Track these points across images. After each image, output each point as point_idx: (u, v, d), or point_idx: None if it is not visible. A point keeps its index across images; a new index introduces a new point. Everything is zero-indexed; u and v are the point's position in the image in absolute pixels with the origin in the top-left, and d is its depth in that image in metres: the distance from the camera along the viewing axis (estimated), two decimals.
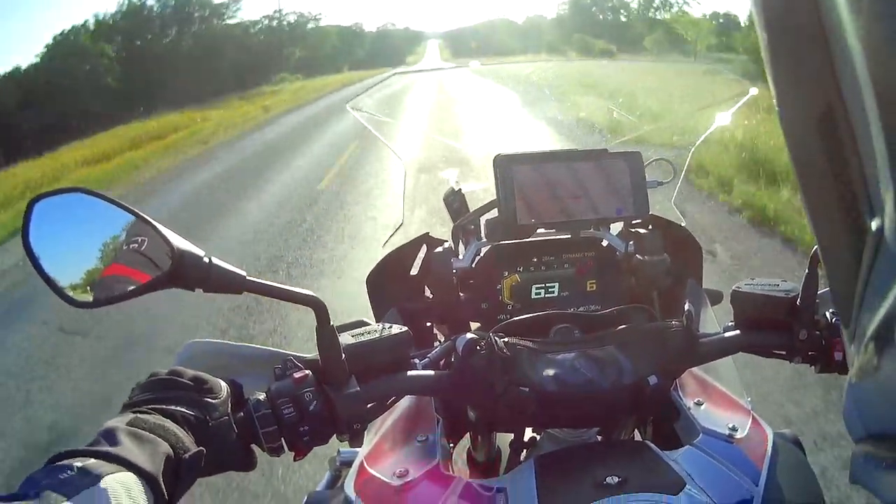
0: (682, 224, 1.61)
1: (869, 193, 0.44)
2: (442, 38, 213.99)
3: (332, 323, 0.96)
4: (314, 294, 0.94)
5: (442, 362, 1.11)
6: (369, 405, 1.01)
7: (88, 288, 0.83)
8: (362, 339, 1.02)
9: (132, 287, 0.84)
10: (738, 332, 1.16)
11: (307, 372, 0.95)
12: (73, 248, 0.85)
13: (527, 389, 1.02)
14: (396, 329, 1.04)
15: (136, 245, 0.84)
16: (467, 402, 1.14)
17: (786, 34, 0.48)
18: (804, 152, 0.51)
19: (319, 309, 0.94)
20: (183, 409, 0.85)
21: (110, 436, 0.75)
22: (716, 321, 1.40)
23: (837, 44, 0.43)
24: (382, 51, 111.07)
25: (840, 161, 0.46)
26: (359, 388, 0.97)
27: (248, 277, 0.89)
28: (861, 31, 0.40)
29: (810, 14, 0.45)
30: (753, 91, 1.61)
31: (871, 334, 0.48)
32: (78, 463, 0.69)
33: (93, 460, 0.70)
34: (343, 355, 0.97)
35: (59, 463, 0.69)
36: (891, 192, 0.41)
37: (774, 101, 0.51)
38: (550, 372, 1.04)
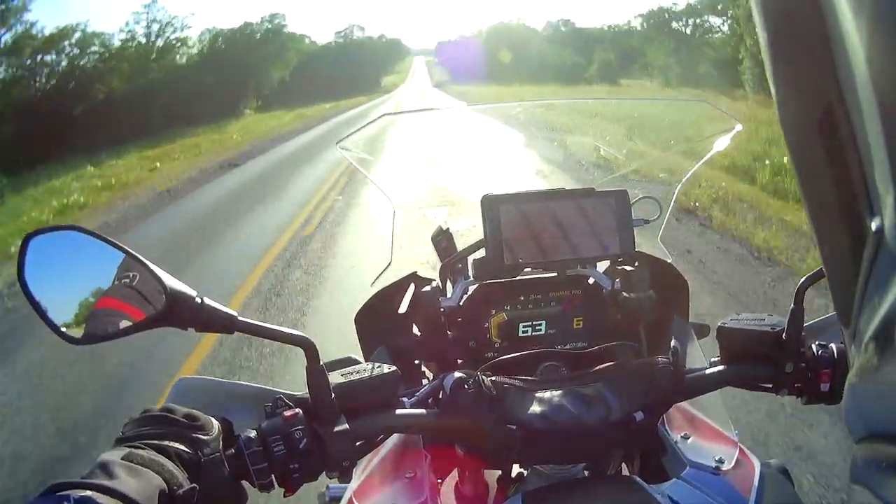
0: (669, 260, 1.62)
1: (869, 193, 0.45)
2: (434, 54, 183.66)
3: (321, 362, 0.98)
4: (304, 335, 0.96)
5: (430, 400, 1.12)
6: (358, 443, 1.02)
7: (81, 324, 0.85)
8: (351, 378, 1.03)
9: (126, 325, 0.86)
10: (724, 367, 1.18)
11: (297, 410, 0.96)
12: (67, 284, 0.86)
13: (514, 427, 1.04)
14: (385, 368, 1.06)
15: (129, 281, 0.86)
16: (455, 440, 1.16)
17: (786, 34, 0.49)
18: (804, 152, 0.52)
19: (309, 349, 0.96)
20: (176, 446, 0.86)
21: (106, 469, 0.76)
22: (702, 355, 1.41)
23: (837, 44, 0.44)
24: (344, 73, 75.46)
25: (840, 161, 0.47)
26: (348, 427, 0.98)
27: (239, 318, 0.91)
28: (861, 31, 0.41)
29: (810, 14, 0.45)
30: (738, 127, 1.62)
31: (871, 334, 0.48)
32: (75, 495, 0.70)
33: (89, 492, 0.71)
34: (332, 394, 0.99)
35: (57, 494, 0.70)
36: (891, 192, 0.41)
37: (774, 101, 0.52)
38: (538, 409, 1.05)
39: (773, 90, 0.51)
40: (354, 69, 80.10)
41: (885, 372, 0.47)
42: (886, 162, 0.41)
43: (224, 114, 36.42)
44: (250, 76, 47.08)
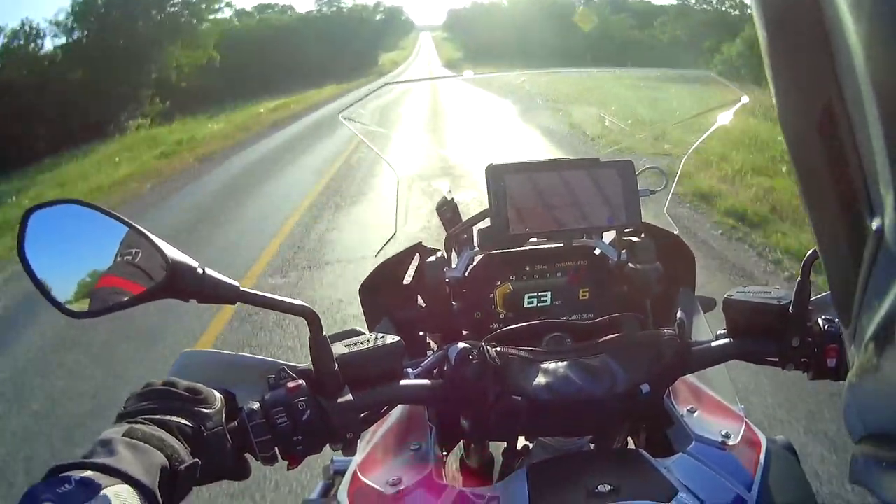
0: (675, 232, 1.61)
1: (869, 193, 0.45)
2: (442, 28, 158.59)
3: (325, 333, 0.98)
4: (307, 304, 0.96)
5: (435, 371, 1.12)
6: (362, 414, 1.02)
7: (83, 298, 0.85)
8: (355, 349, 1.03)
9: (128, 296, 0.85)
10: (730, 339, 1.17)
11: (300, 381, 0.96)
12: (68, 259, 0.86)
13: (519, 398, 1.03)
14: (389, 339, 1.06)
15: (131, 257, 0.86)
16: (460, 411, 1.15)
17: (786, 34, 0.49)
18: (804, 152, 0.52)
19: (312, 319, 0.96)
20: (178, 420, 0.86)
21: (107, 447, 0.76)
22: (708, 328, 1.41)
23: (837, 44, 0.43)
24: (327, 52, 58.69)
25: (840, 161, 0.47)
26: (352, 398, 0.98)
27: (241, 288, 0.91)
28: (861, 31, 0.40)
29: (810, 14, 0.45)
30: (745, 99, 1.62)
31: (871, 334, 0.48)
32: (76, 476, 0.70)
33: (90, 472, 0.71)
34: (336, 365, 0.99)
35: (59, 476, 0.70)
36: (891, 192, 0.41)
37: (774, 100, 0.52)
38: (543, 380, 1.05)
39: (772, 90, 0.51)
40: (341, 47, 62.52)
41: (885, 372, 0.47)
42: (886, 162, 0.41)
43: (104, 130, 24.60)
44: (141, 67, 29.87)
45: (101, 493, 0.69)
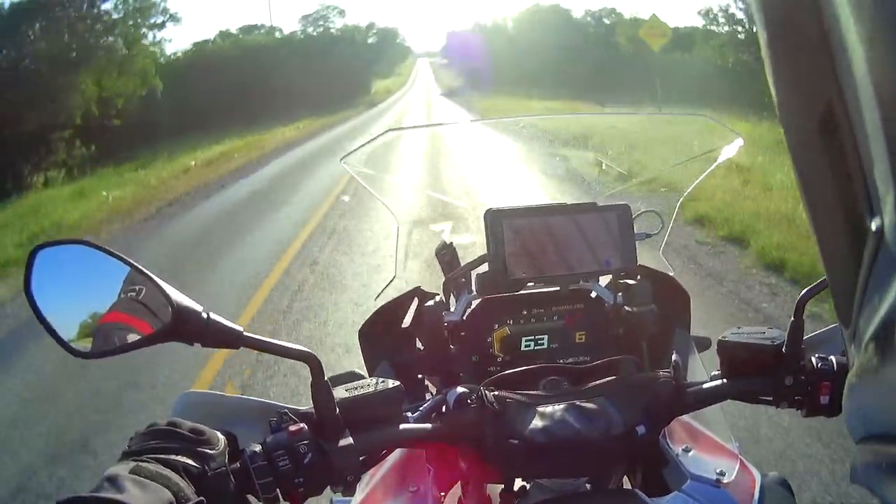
0: (671, 273, 1.63)
1: (869, 193, 0.45)
2: (441, 53, 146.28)
3: (326, 377, 0.99)
4: (309, 350, 0.97)
5: (433, 415, 1.13)
6: (362, 457, 1.02)
7: (87, 337, 0.86)
8: (356, 393, 1.04)
9: (133, 339, 0.87)
10: (724, 380, 1.18)
11: (302, 425, 0.97)
12: (74, 298, 0.88)
13: (516, 442, 1.04)
14: (390, 383, 1.07)
15: (135, 294, 0.87)
16: (458, 454, 1.16)
17: (786, 34, 0.50)
18: (804, 152, 0.52)
19: (314, 364, 0.97)
20: (183, 460, 0.86)
21: (114, 482, 0.77)
22: (703, 369, 1.41)
23: (837, 44, 0.44)
24: (313, 77, 47.56)
25: (840, 161, 0.47)
26: (352, 441, 0.99)
27: (244, 333, 0.92)
28: (861, 31, 0.41)
29: (810, 14, 0.45)
30: (740, 141, 1.63)
31: (871, 334, 0.48)
32: None
33: None
34: (337, 409, 1.00)
35: None
36: (891, 192, 0.41)
37: (774, 101, 0.52)
38: (539, 424, 1.06)
39: (772, 90, 0.52)
40: (327, 72, 51.20)
41: (885, 372, 0.47)
42: (886, 162, 0.41)
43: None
44: (52, 102, 22.38)
45: None
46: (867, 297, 0.48)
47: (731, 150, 1.64)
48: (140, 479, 0.79)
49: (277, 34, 58.51)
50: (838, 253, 0.52)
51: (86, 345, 0.86)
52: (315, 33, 63.65)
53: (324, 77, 50.16)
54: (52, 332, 0.85)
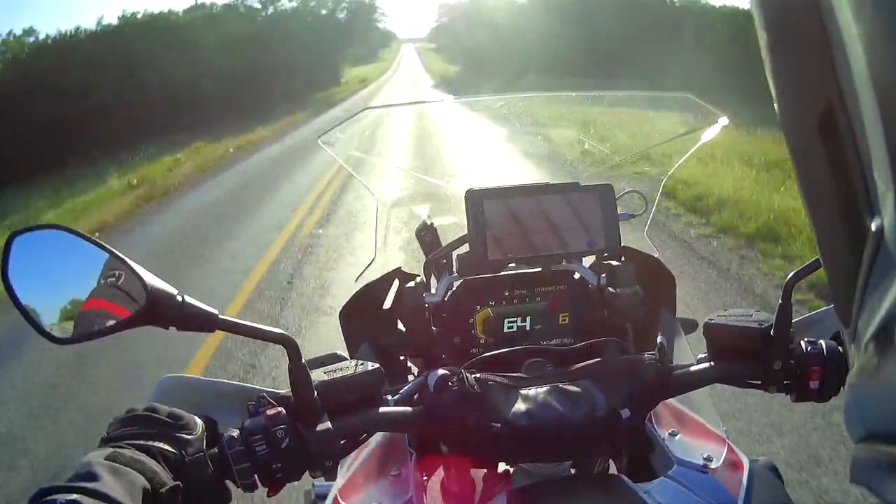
0: (655, 255, 1.62)
1: (869, 193, 0.45)
2: (427, 38, 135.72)
3: (304, 360, 0.98)
4: (285, 332, 0.96)
5: (415, 397, 1.12)
6: (342, 441, 1.02)
7: (66, 323, 0.85)
8: (335, 376, 1.03)
9: (109, 323, 0.85)
10: (711, 363, 1.17)
11: (280, 409, 0.96)
12: (51, 283, 0.87)
13: (498, 425, 1.03)
14: (369, 366, 1.05)
15: (112, 282, 0.86)
16: (441, 437, 1.15)
17: (786, 34, 0.49)
18: (804, 152, 0.52)
19: (290, 347, 0.95)
20: (160, 445, 0.86)
21: (90, 471, 0.76)
22: (690, 351, 1.41)
23: (837, 44, 0.44)
24: (266, 65, 36.19)
25: (840, 161, 0.47)
26: (330, 425, 0.98)
27: (220, 316, 0.91)
28: (861, 31, 0.41)
29: (810, 14, 0.45)
30: (724, 121, 1.63)
31: (871, 334, 0.48)
32: (61, 499, 0.70)
33: (75, 496, 0.71)
34: (315, 392, 0.98)
35: (44, 499, 0.70)
36: (891, 192, 0.41)
37: (774, 100, 0.52)
38: (522, 407, 1.05)
39: (772, 90, 0.51)
40: (275, 60, 38.12)
41: (885, 372, 0.47)
42: (886, 162, 0.41)
43: None
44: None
45: None
46: (867, 297, 0.48)
47: (714, 130, 1.63)
48: (115, 466, 0.78)
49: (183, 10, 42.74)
50: (838, 253, 0.52)
51: (64, 331, 0.85)
52: (262, 7, 47.00)
53: (269, 66, 36.62)
54: (27, 317, 0.84)
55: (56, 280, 0.87)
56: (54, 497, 0.71)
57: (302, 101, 36.42)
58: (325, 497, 1.20)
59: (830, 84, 0.45)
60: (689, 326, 1.58)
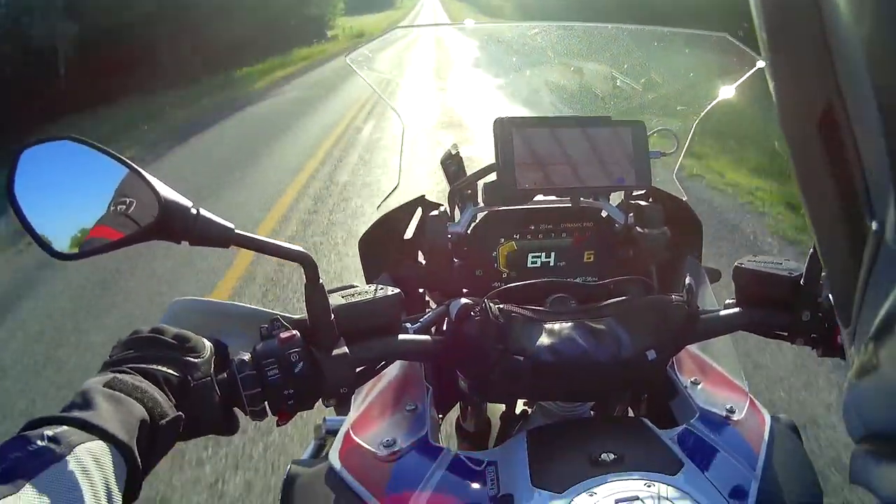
0: (684, 199, 1.60)
1: (869, 193, 0.44)
2: None
3: (321, 280, 0.96)
4: (304, 250, 0.93)
5: (434, 328, 1.11)
6: (358, 369, 1.00)
7: (74, 237, 0.83)
8: (352, 299, 1.01)
9: (116, 238, 0.83)
10: (739, 309, 1.15)
11: (294, 332, 0.94)
12: (60, 198, 0.84)
13: (521, 358, 1.01)
14: (389, 291, 1.04)
15: (123, 191, 0.84)
16: (459, 370, 1.14)
17: (786, 34, 0.49)
18: (804, 152, 0.51)
19: (308, 265, 0.93)
20: (164, 369, 0.84)
21: (86, 399, 0.75)
22: (714, 299, 1.39)
23: (837, 44, 0.43)
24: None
25: (840, 161, 0.47)
26: (347, 351, 0.96)
27: (236, 231, 0.89)
28: (861, 31, 0.40)
29: (810, 14, 0.45)
30: (760, 64, 1.59)
31: (871, 334, 0.48)
32: (49, 432, 0.68)
33: (65, 428, 0.69)
34: (332, 316, 0.96)
35: (32, 432, 0.69)
36: (891, 192, 0.41)
37: (774, 100, 0.51)
38: (546, 341, 1.03)
39: (772, 90, 0.52)
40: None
41: (885, 372, 0.47)
42: (886, 162, 0.41)
43: None
44: None
45: (74, 450, 0.67)
46: (867, 297, 0.48)
47: (749, 72, 1.60)
48: (114, 394, 0.77)
49: None
50: (838, 253, 0.52)
51: (71, 246, 0.83)
52: None
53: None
54: (31, 232, 0.81)
55: (65, 193, 0.85)
56: (41, 430, 0.69)
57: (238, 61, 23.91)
58: (335, 431, 1.19)
59: (830, 84, 0.45)
60: (714, 275, 1.56)
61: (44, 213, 0.82)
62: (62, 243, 0.82)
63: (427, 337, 1.07)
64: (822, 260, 0.55)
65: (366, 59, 1.72)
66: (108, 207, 0.83)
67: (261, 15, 27.07)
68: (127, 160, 0.84)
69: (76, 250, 0.83)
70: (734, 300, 1.18)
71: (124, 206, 0.84)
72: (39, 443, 0.66)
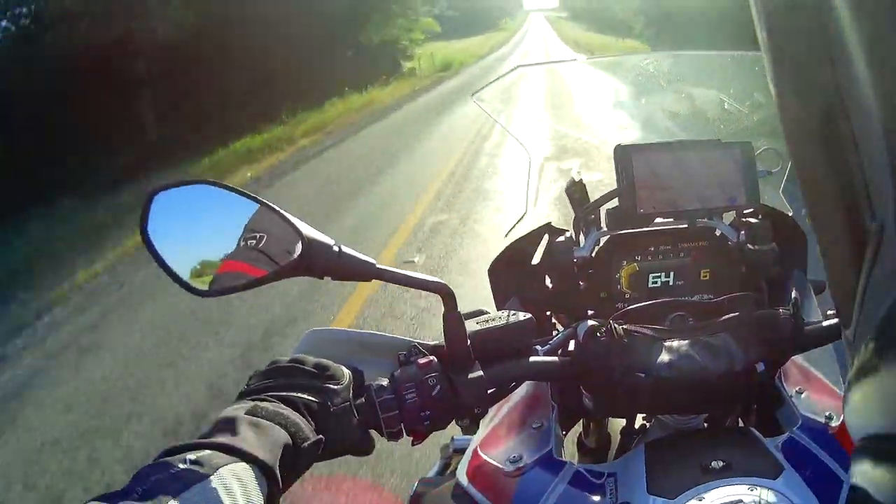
0: (790, 213, 1.60)
1: (869, 193, 0.44)
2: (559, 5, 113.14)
3: (458, 309, 0.98)
4: (442, 281, 0.97)
5: (561, 350, 1.13)
6: (490, 391, 1.02)
7: (209, 275, 0.86)
8: (487, 325, 1.04)
9: (259, 275, 0.86)
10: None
11: (432, 358, 0.97)
12: (194, 237, 0.88)
13: (643, 375, 1.03)
14: (521, 316, 1.06)
15: (262, 230, 0.87)
16: (585, 388, 1.16)
17: (786, 34, 0.49)
18: (804, 152, 0.51)
19: (447, 296, 0.97)
20: (304, 396, 0.85)
21: (228, 425, 0.76)
22: (818, 312, 1.39)
23: (837, 44, 0.43)
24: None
25: (840, 161, 0.46)
26: (482, 374, 0.98)
27: (377, 265, 0.92)
28: (861, 31, 0.40)
29: (810, 14, 0.45)
30: None
31: (871, 334, 0.47)
32: (191, 456, 0.69)
33: (207, 452, 0.70)
34: (469, 341, 0.99)
35: (172, 457, 0.69)
36: (891, 192, 0.41)
37: (775, 100, 0.51)
38: (666, 358, 1.05)
39: (772, 90, 0.51)
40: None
41: (885, 372, 0.46)
42: (886, 162, 0.41)
43: None
44: None
45: (217, 472, 0.68)
46: (867, 297, 0.47)
47: None
48: (256, 420, 0.77)
49: None
50: (838, 253, 0.51)
51: (210, 284, 0.86)
52: None
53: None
54: (168, 272, 0.84)
55: (200, 234, 0.88)
56: (184, 455, 0.69)
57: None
58: (463, 451, 1.21)
59: (830, 84, 0.45)
60: (818, 287, 1.56)
61: (180, 252, 0.85)
62: (199, 280, 0.86)
63: (556, 358, 1.09)
64: (822, 260, 0.54)
65: (490, 97, 1.77)
66: (247, 246, 0.86)
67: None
68: (265, 201, 0.87)
69: (214, 287, 0.86)
70: (835, 311, 1.19)
71: (264, 245, 0.86)
72: (181, 466, 0.67)
